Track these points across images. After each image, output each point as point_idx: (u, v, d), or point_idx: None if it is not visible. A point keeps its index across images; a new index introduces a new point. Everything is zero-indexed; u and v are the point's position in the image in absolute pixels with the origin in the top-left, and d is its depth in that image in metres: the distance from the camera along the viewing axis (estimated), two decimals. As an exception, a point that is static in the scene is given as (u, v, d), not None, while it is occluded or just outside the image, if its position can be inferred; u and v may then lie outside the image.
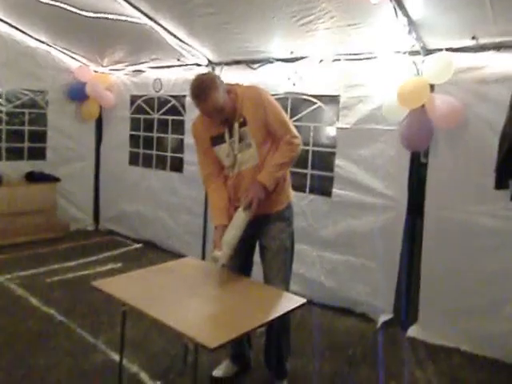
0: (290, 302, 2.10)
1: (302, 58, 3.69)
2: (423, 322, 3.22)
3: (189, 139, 4.61)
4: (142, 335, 3.01)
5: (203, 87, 2.15)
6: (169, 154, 4.98)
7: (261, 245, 2.45)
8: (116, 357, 2.64)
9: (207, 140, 2.38)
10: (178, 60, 4.48)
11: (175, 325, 1.80)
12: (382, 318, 3.36)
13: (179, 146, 4.85)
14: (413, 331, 3.23)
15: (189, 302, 2.06)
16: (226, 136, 2.31)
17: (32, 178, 5.13)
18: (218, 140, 2.34)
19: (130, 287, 2.19)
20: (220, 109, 2.18)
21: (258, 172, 2.30)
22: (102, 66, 5.33)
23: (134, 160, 5.35)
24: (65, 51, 5.17)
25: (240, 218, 2.25)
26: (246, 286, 2.29)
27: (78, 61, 5.30)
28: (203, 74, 2.31)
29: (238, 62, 4.12)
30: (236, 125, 2.28)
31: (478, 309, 2.97)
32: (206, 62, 4.33)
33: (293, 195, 2.51)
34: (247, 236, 2.39)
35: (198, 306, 2.03)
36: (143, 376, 2.60)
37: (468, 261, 3.00)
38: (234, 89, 2.31)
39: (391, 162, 3.33)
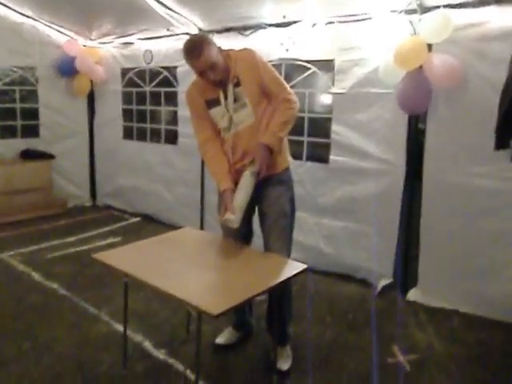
0: (291, 268, 2.10)
1: (295, 22, 3.60)
2: (422, 285, 3.25)
3: (182, 111, 4.55)
4: (144, 306, 3.04)
5: (196, 44, 2.15)
6: (163, 126, 4.92)
7: (260, 210, 2.43)
8: (120, 327, 2.68)
9: (202, 104, 2.35)
10: (168, 30, 4.37)
11: (178, 294, 1.81)
12: (382, 283, 3.39)
13: (173, 119, 4.79)
14: (412, 295, 3.26)
15: (190, 271, 2.06)
16: (221, 98, 2.28)
17: (27, 155, 5.09)
18: (213, 103, 2.32)
19: (130, 258, 2.19)
20: (214, 65, 2.16)
21: (254, 130, 2.28)
22: (91, 39, 5.22)
23: (128, 134, 5.29)
24: (51, 25, 5.03)
25: (247, 181, 2.24)
26: (246, 254, 2.29)
27: (66, 35, 5.17)
28: (195, 34, 2.28)
29: (229, 30, 4.02)
30: (230, 86, 2.25)
31: (477, 271, 2.99)
32: (197, 31, 4.22)
33: (291, 161, 2.48)
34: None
35: (200, 274, 2.03)
36: (147, 345, 2.63)
37: (467, 223, 3.00)
38: (227, 52, 2.29)
39: (388, 126, 3.28)
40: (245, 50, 2.32)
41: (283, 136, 2.29)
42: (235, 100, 2.27)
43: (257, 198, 2.36)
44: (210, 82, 2.24)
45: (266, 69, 2.27)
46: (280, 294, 2.36)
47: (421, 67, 2.92)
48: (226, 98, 2.28)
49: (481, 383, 2.36)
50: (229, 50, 2.33)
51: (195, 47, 2.14)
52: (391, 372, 2.43)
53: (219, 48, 2.25)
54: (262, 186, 2.32)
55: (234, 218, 2.19)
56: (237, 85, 2.26)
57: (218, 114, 2.33)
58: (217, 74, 2.20)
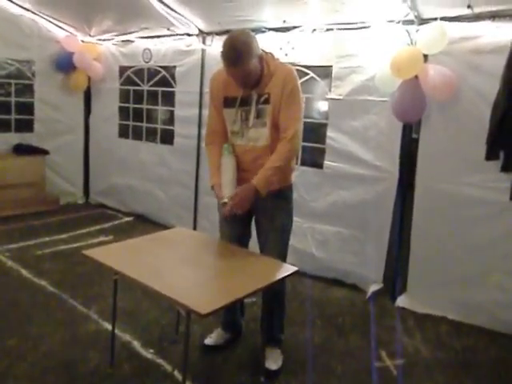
0: (281, 270, 2.11)
1: (295, 27, 3.63)
2: (412, 291, 3.28)
3: (179, 111, 4.58)
4: (133, 305, 3.03)
5: (239, 52, 2.03)
6: (159, 126, 4.92)
7: (258, 221, 2.43)
8: (108, 326, 2.66)
9: (221, 98, 2.31)
10: (168, 29, 4.38)
11: (167, 292, 1.80)
12: (372, 288, 3.41)
13: (170, 119, 4.79)
14: (402, 301, 3.28)
15: (181, 270, 2.06)
16: (238, 102, 2.23)
17: (20, 150, 5.05)
18: (230, 103, 2.28)
19: (121, 256, 2.18)
20: (247, 76, 2.11)
21: (264, 153, 2.24)
22: (90, 35, 5.20)
23: (123, 132, 5.28)
24: (51, 19, 5.01)
25: (226, 162, 2.30)
26: (238, 255, 2.29)
27: (65, 30, 5.15)
28: (242, 35, 2.11)
29: (228, 32, 4.02)
30: (254, 96, 2.20)
31: (465, 278, 3.02)
32: (197, 32, 4.24)
33: (295, 175, 2.48)
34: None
35: (190, 273, 2.03)
36: (136, 345, 2.62)
37: (457, 232, 3.04)
38: (268, 61, 2.19)
39: (383, 133, 3.32)
40: (288, 66, 2.25)
41: (274, 180, 2.23)
42: (257, 116, 2.22)
43: (257, 208, 2.36)
44: (236, 83, 2.19)
45: (292, 96, 2.18)
46: (272, 296, 2.37)
47: (416, 77, 2.96)
48: (241, 104, 2.23)
49: (466, 390, 2.39)
50: (271, 56, 2.23)
51: (236, 56, 2.03)
52: (378, 375, 2.45)
53: (261, 52, 2.15)
54: (262, 198, 2.29)
55: (226, 197, 2.24)
56: (265, 101, 2.19)
57: (229, 117, 2.30)
58: (247, 82, 2.15)
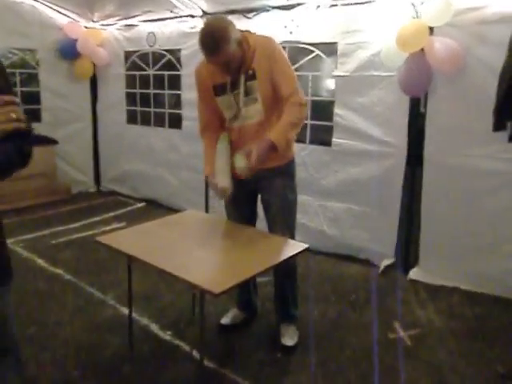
0: (292, 247, 2.14)
1: (299, 4, 3.57)
2: (424, 264, 3.30)
3: (186, 94, 4.55)
4: (149, 290, 3.09)
5: (215, 40, 2.01)
6: (167, 110, 4.91)
7: (264, 200, 2.44)
8: (125, 311, 2.71)
9: (209, 88, 2.30)
10: (171, 12, 4.34)
11: (180, 274, 1.83)
12: (384, 263, 3.43)
13: (177, 102, 4.78)
14: (414, 274, 3.31)
15: (193, 251, 2.09)
16: (228, 87, 2.23)
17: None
18: (221, 90, 2.27)
19: (133, 241, 2.21)
20: (229, 62, 2.09)
21: (262, 128, 2.24)
22: (93, 21, 5.15)
23: (131, 118, 5.28)
24: (52, 6, 4.94)
25: (221, 150, 2.26)
26: (249, 235, 2.32)
27: (67, 16, 5.08)
28: (216, 21, 2.11)
29: (232, 12, 3.98)
30: (242, 77, 2.19)
31: (477, 249, 3.04)
32: (201, 13, 4.19)
33: (295, 150, 2.48)
34: (249, 188, 2.41)
35: (203, 255, 2.06)
36: (153, 327, 2.68)
37: (467, 203, 3.04)
38: (247, 38, 2.17)
39: (390, 108, 3.29)
40: (266, 38, 2.22)
41: (290, 137, 2.21)
42: (246, 93, 2.21)
43: (261, 187, 2.39)
44: (220, 71, 2.19)
45: (282, 65, 2.17)
46: (283, 274, 2.41)
47: (422, 50, 2.91)
48: (232, 88, 2.22)
49: (478, 356, 2.42)
50: (248, 33, 2.23)
51: (213, 43, 2.01)
52: (392, 346, 2.49)
53: (239, 32, 2.13)
54: (266, 176, 2.32)
55: (219, 183, 2.21)
56: (251, 77, 2.18)
57: (224, 104, 2.29)
58: (230, 68, 2.14)
